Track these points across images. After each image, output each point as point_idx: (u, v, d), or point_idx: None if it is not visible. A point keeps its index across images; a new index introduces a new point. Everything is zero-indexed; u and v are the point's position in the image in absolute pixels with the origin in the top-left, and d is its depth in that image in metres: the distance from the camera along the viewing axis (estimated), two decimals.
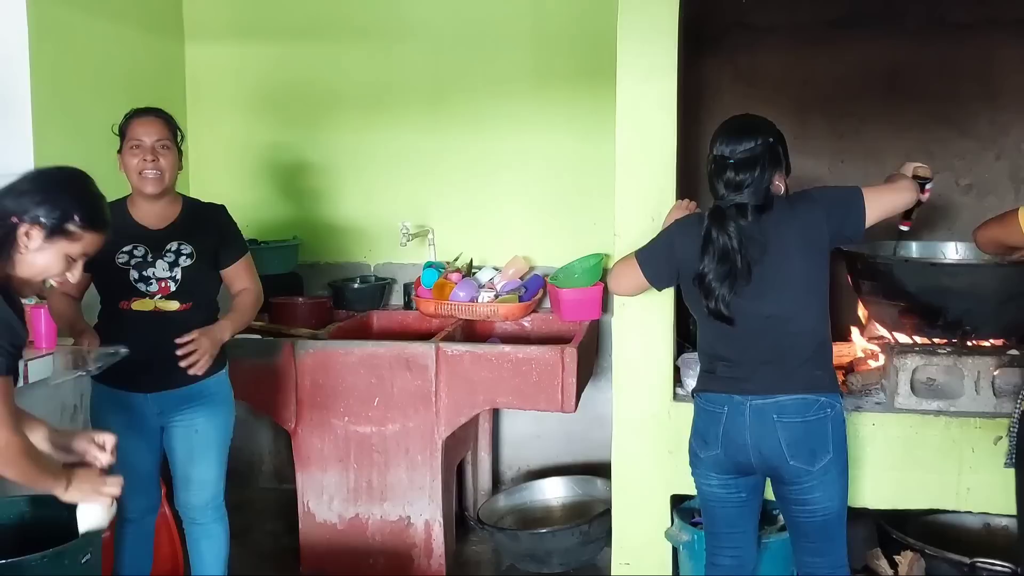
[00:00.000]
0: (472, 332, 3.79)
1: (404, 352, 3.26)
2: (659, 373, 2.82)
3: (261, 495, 4.20)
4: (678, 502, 2.90)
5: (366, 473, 3.35)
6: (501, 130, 3.96)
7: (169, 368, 2.59)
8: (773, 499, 2.51)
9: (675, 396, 2.83)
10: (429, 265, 3.84)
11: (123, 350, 2.49)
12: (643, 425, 2.83)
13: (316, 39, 4.08)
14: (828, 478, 2.31)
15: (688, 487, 2.76)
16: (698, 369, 2.76)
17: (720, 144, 2.33)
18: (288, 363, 3.31)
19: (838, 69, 3.58)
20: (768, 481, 2.44)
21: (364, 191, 4.11)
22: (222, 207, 2.81)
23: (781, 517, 2.77)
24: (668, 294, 2.75)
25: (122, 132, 2.65)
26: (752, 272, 2.27)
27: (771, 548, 2.69)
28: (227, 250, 2.74)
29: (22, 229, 1.85)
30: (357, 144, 4.08)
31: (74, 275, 1.99)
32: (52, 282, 2.05)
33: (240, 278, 2.77)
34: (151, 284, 2.61)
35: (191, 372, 2.55)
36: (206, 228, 2.71)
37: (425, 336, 3.52)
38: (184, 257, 2.64)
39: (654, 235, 2.60)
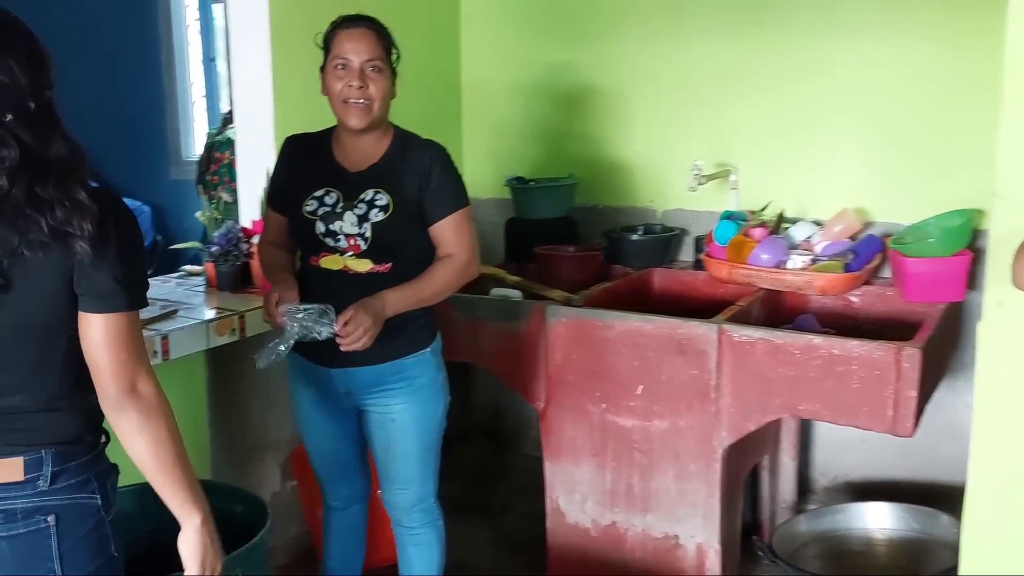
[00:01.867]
0: (777, 307, 2.97)
1: (676, 332, 2.57)
2: None
3: (527, 464, 3.77)
4: None
5: (626, 475, 2.76)
6: (831, 38, 3.04)
7: None
8: None
9: None
10: (727, 216, 3.04)
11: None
12: (1019, 476, 1.89)
13: None
14: None
15: None
16: None
17: None
18: (538, 331, 2.77)
19: None
20: None
21: (655, 119, 3.40)
22: (437, 147, 2.22)
23: None
24: None
25: (326, 44, 2.18)
26: None
27: None
28: (432, 203, 2.17)
29: None
30: (648, 61, 3.37)
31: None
32: None
33: (446, 241, 2.19)
34: (339, 240, 2.14)
35: (344, 349, 2.05)
36: (411, 173, 2.17)
37: (718, 306, 2.79)
38: (377, 211, 2.13)
39: None
